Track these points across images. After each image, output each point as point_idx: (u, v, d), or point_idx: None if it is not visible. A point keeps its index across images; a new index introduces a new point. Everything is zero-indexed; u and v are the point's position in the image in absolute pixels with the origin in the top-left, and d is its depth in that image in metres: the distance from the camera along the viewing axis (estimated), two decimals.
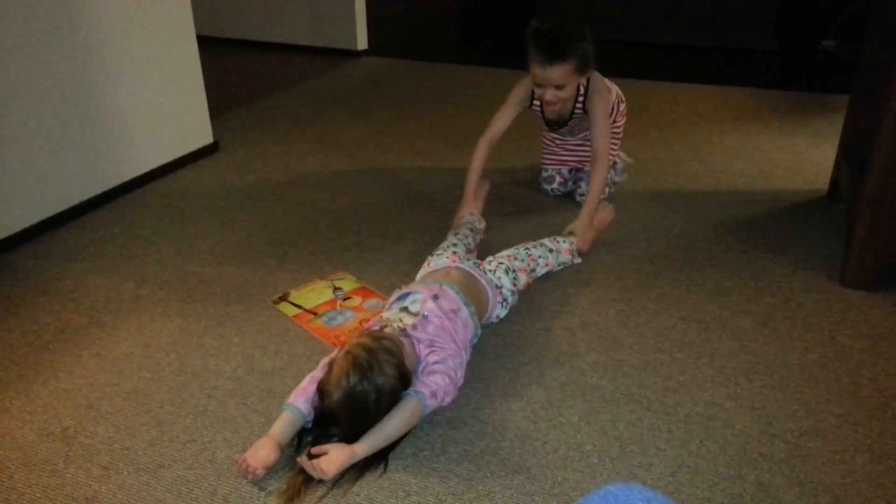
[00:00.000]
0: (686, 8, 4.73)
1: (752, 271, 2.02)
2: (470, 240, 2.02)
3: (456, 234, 2.02)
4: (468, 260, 1.81)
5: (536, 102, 2.22)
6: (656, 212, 2.39)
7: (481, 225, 2.18)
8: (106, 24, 2.34)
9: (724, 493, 1.28)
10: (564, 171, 2.48)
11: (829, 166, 2.56)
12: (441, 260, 1.81)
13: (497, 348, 1.68)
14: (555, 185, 2.48)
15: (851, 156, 2.22)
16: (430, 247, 2.11)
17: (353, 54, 4.41)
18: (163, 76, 2.61)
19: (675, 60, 4.31)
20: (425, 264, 1.84)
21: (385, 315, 1.58)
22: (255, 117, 3.34)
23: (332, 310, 1.83)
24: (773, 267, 2.04)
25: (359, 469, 1.31)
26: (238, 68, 4.19)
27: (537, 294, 1.90)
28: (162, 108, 2.63)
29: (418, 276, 1.82)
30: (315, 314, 1.81)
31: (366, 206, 2.43)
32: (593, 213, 2.15)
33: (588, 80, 2.17)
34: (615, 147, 2.46)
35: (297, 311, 1.83)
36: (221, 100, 3.51)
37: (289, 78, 3.97)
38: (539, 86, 2.07)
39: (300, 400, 1.39)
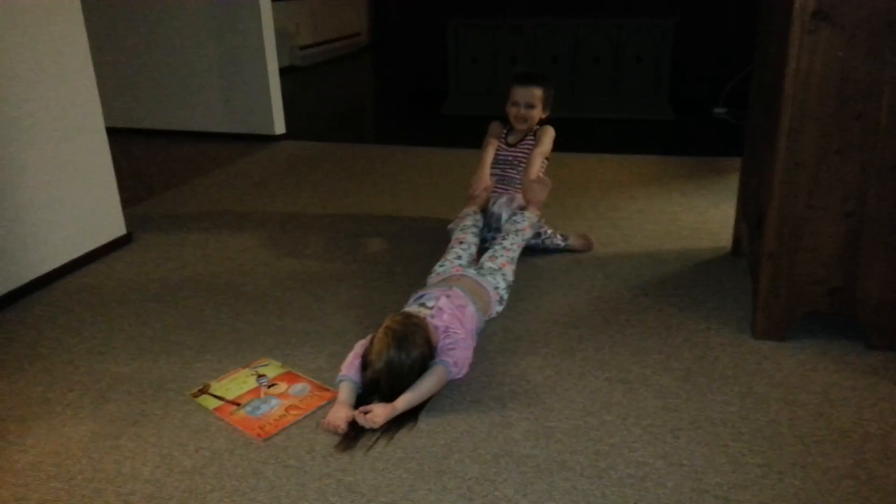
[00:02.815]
0: (586, 83, 4.99)
1: (669, 329, 2.09)
2: (473, 249, 2.33)
3: (461, 242, 2.31)
4: (470, 268, 2.16)
5: (504, 131, 2.75)
6: (574, 277, 2.46)
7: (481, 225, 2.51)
8: (10, 119, 2.28)
9: None
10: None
11: (730, 224, 2.71)
12: (447, 272, 2.14)
13: (429, 424, 1.66)
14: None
15: (749, 214, 2.37)
16: (358, 325, 2.10)
17: (271, 139, 4.43)
18: (71, 169, 2.54)
19: (581, 133, 4.53)
20: (434, 275, 2.16)
21: (406, 309, 1.90)
22: (171, 206, 3.29)
23: (255, 399, 1.78)
24: (687, 323, 2.12)
25: (396, 424, 1.63)
26: (152, 158, 4.13)
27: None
28: (70, 202, 2.56)
29: (428, 284, 2.13)
30: (238, 405, 1.75)
31: (288, 288, 2.40)
32: (533, 183, 2.56)
33: (542, 125, 2.69)
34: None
35: (219, 403, 1.76)
36: (135, 190, 3.44)
37: (205, 165, 3.94)
38: (515, 104, 2.64)
39: (352, 371, 1.73)
